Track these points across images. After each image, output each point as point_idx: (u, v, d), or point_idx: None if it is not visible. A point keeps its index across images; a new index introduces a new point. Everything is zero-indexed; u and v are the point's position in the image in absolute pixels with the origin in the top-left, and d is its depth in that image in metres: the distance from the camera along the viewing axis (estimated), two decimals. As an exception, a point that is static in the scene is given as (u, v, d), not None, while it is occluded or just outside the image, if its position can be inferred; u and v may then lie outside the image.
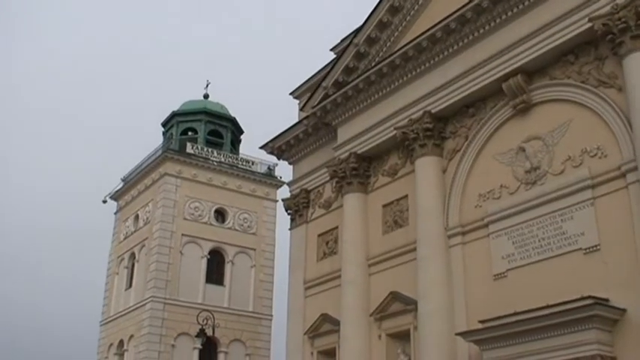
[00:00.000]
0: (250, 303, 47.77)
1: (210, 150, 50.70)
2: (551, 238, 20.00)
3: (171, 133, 52.84)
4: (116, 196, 53.76)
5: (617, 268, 18.17)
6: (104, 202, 54.13)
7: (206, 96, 55.23)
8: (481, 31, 22.75)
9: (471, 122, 23.34)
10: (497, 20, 22.27)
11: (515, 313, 19.30)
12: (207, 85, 55.95)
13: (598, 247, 18.83)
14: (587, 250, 19.05)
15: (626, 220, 18.28)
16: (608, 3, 19.18)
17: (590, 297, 17.85)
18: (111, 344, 48.14)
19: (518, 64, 21.52)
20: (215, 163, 49.70)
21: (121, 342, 46.82)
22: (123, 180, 53.42)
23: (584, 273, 18.82)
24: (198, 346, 41.32)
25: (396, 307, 23.96)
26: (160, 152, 49.70)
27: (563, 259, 19.57)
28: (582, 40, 20.24)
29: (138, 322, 45.04)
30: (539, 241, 20.27)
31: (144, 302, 44.97)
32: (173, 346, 43.98)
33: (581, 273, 18.88)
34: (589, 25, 19.59)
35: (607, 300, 17.91)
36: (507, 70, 21.79)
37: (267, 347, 47.60)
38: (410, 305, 23.24)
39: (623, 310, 17.74)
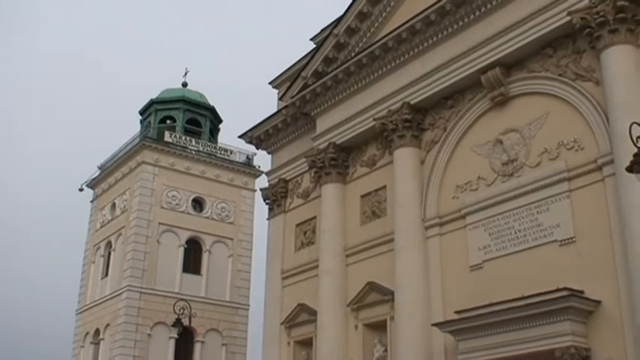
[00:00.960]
0: (227, 292, 47.69)
1: (188, 139, 50.46)
2: (527, 229, 20.16)
3: (149, 122, 52.50)
4: (93, 184, 53.39)
5: (592, 260, 18.36)
6: (81, 190, 53.81)
7: (185, 84, 54.91)
8: (460, 23, 22.82)
9: (450, 114, 23.44)
10: (477, 13, 22.35)
11: (491, 304, 19.45)
12: (185, 74, 55.67)
13: (573, 239, 19.02)
14: (563, 242, 19.23)
15: (601, 213, 18.46)
16: (587, -3, 19.31)
17: (565, 288, 18.03)
18: (87, 333, 47.91)
19: (497, 56, 21.62)
20: (193, 152, 49.49)
21: (97, 331, 46.62)
22: (100, 168, 53.07)
23: (559, 265, 18.99)
24: (175, 335, 41.19)
25: (373, 298, 24.06)
26: (137, 140, 49.38)
27: (538, 251, 19.74)
28: (561, 33, 20.37)
29: (114, 311, 44.85)
30: (515, 232, 20.43)
31: (120, 291, 44.76)
32: (149, 335, 43.84)
33: (556, 265, 19.05)
34: (567, 18, 19.71)
35: (582, 292, 18.10)
36: (486, 63, 21.89)
37: (243, 337, 47.59)
38: (387, 296, 23.35)
39: (598, 302, 17.94)
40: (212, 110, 54.20)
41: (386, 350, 23.23)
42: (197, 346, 45.35)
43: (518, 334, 18.66)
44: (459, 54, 22.72)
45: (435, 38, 23.62)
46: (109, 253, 48.74)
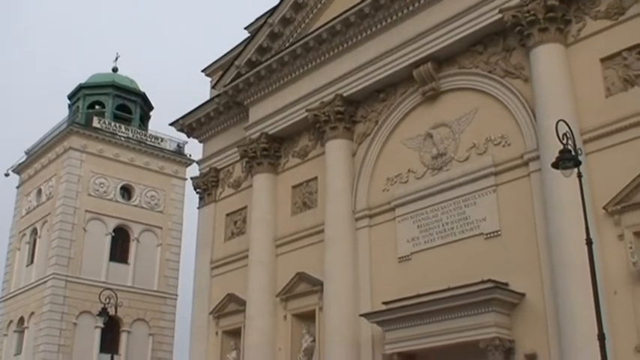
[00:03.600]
0: (155, 282, 47.11)
1: (117, 125, 49.51)
2: (454, 222, 20.53)
3: (78, 106, 51.28)
4: (19, 170, 51.99)
5: (517, 253, 18.82)
6: (6, 175, 52.32)
7: (115, 69, 53.83)
8: (394, 17, 23.02)
9: (382, 107, 23.65)
10: (410, 7, 22.59)
11: (418, 295, 19.75)
12: (116, 59, 54.57)
13: (499, 233, 19.45)
14: (489, 235, 19.66)
15: (526, 208, 18.93)
16: (519, -5, 19.71)
17: (490, 281, 18.43)
18: (11, 321, 46.71)
19: (429, 51, 21.91)
20: (122, 139, 48.61)
21: (22, 319, 45.50)
22: (26, 153, 51.70)
23: (485, 257, 19.41)
24: (101, 325, 40.56)
25: (303, 288, 24.15)
26: (65, 125, 48.24)
27: (465, 244, 20.13)
28: (492, 30, 20.77)
29: (39, 299, 43.86)
30: (443, 225, 20.77)
31: (45, 279, 43.78)
32: (75, 324, 43.04)
33: (482, 257, 19.46)
34: (499, 16, 20.10)
35: (506, 284, 18.53)
36: (418, 58, 22.16)
37: (171, 327, 47.13)
38: (316, 286, 23.47)
39: (522, 295, 18.39)
40: (143, 96, 53.32)
41: (314, 340, 23.36)
42: (123, 336, 44.71)
43: (443, 325, 19.00)
44: (392, 48, 22.93)
45: (368, 31, 23.78)
46: (35, 240, 47.59)
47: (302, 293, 24.16)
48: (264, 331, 24.44)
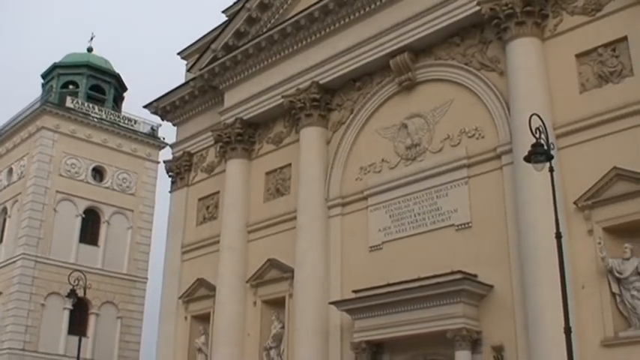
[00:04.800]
0: (125, 265, 46.76)
1: (91, 105, 48.90)
2: (426, 213, 20.61)
3: (51, 86, 50.68)
4: (-10, 148, 51.32)
5: (487, 245, 18.94)
6: (-23, 153, 51.59)
7: (90, 49, 53.16)
8: (372, 6, 22.98)
9: (357, 96, 23.64)
10: (389, -3, 22.57)
11: (388, 285, 19.84)
12: (91, 39, 53.86)
13: (470, 225, 19.56)
14: (459, 227, 19.77)
15: (497, 200, 19.05)
16: (497, -12, 19.74)
17: (459, 272, 18.55)
18: (-22, 300, 46.20)
19: (406, 42, 21.91)
20: (95, 120, 48.08)
21: (-11, 299, 45.06)
22: (-2, 131, 51.05)
23: (455, 248, 19.52)
24: (69, 306, 40.34)
25: (273, 275, 24.14)
26: (37, 105, 47.58)
27: (436, 234, 20.23)
28: (469, 22, 20.82)
29: (7, 279, 43.38)
30: (414, 215, 20.85)
31: (14, 259, 43.30)
32: (43, 305, 42.65)
33: (452, 248, 19.57)
34: (477, 8, 20.15)
35: (475, 276, 18.66)
36: (395, 47, 22.16)
37: (140, 310, 46.89)
38: (287, 273, 23.47)
39: (490, 286, 18.53)
40: (117, 78, 52.79)
41: (283, 327, 23.38)
42: (92, 318, 44.40)
43: (412, 314, 19.11)
44: (370, 37, 22.91)
45: (347, 19, 23.72)
46: (5, 220, 47.03)
47: (272, 280, 24.15)
48: (233, 317, 24.42)
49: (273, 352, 23.50)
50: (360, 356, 20.16)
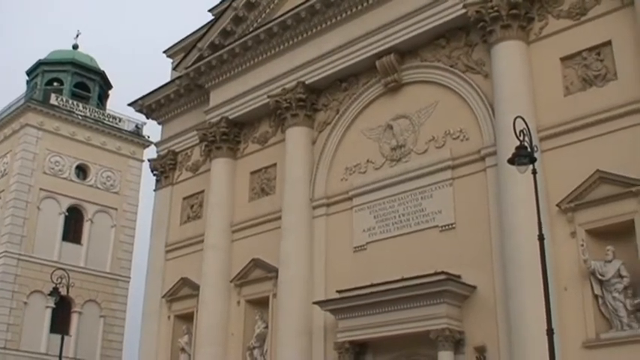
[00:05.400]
0: (108, 264, 46.59)
1: (75, 103, 48.69)
2: (410, 214, 20.68)
3: (36, 83, 50.42)
4: (-27, 145, 50.93)
5: (470, 246, 19.04)
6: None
7: (75, 46, 52.94)
8: (359, 7, 23.03)
9: (343, 96, 23.68)
10: (376, -2, 22.62)
11: (372, 285, 19.88)
12: (77, 36, 53.64)
13: (453, 226, 19.65)
14: (443, 228, 19.85)
15: (481, 202, 19.15)
16: (483, -9, 19.83)
17: (443, 273, 18.62)
18: (-40, 298, 45.85)
19: (392, 43, 21.98)
20: (80, 117, 47.87)
21: (-28, 296, 44.70)
22: (-19, 128, 50.67)
23: (439, 249, 19.60)
24: (52, 305, 40.07)
25: (257, 274, 24.13)
26: (22, 102, 47.32)
27: (420, 235, 20.30)
28: (455, 25, 20.90)
29: (-11, 276, 43.15)
30: (399, 216, 20.91)
31: (-4, 257, 43.08)
32: (25, 303, 42.41)
33: (436, 249, 19.65)
34: (463, 11, 20.24)
35: (459, 276, 18.74)
36: (381, 49, 22.22)
37: (123, 309, 46.73)
38: (271, 273, 23.47)
39: (473, 287, 18.63)
40: (102, 75, 52.59)
41: (267, 327, 23.37)
42: (74, 317, 44.21)
43: (396, 314, 19.16)
44: (356, 38, 22.95)
45: (333, 20, 23.75)
46: (-12, 218, 46.75)
47: (256, 279, 24.14)
48: (216, 316, 24.39)
49: (256, 352, 23.49)
50: (343, 356, 20.20)
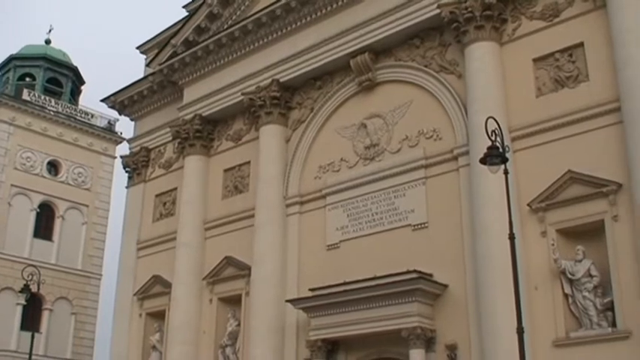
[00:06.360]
0: (79, 261, 46.25)
1: (47, 98, 48.29)
2: (383, 212, 20.74)
3: (8, 78, 49.90)
4: (-57, 140, 50.24)
5: (442, 245, 19.14)
6: None
7: (48, 41, 52.45)
8: (334, 5, 23.04)
9: (318, 95, 23.68)
10: (351, -3, 22.64)
11: (344, 283, 19.92)
12: (50, 31, 53.18)
13: (426, 225, 19.75)
14: (416, 227, 19.94)
15: (454, 201, 19.26)
16: (457, -9, 19.92)
17: (415, 271, 18.70)
18: None
19: (367, 42, 22.02)
20: (52, 113, 47.46)
21: (-60, 292, 44.15)
22: (-48, 124, 49.99)
23: (411, 248, 19.68)
24: (22, 302, 39.59)
25: (230, 272, 24.07)
26: (-7, 97, 46.88)
27: (393, 234, 20.37)
28: (429, 25, 20.99)
29: (-40, 273, 42.65)
30: (372, 215, 20.96)
31: (-33, 253, 42.60)
32: (-5, 300, 42.05)
33: (409, 248, 19.73)
34: (437, 11, 20.32)
35: (431, 275, 18.84)
36: (356, 48, 22.25)
37: (94, 307, 46.43)
38: (244, 270, 23.43)
39: (445, 286, 18.73)
40: (75, 71, 52.18)
41: (239, 325, 23.34)
42: (45, 314, 43.85)
43: (368, 313, 19.22)
44: (331, 36, 22.96)
45: (308, 18, 23.74)
46: (-43, 213, 46.18)
47: (229, 277, 24.08)
48: (188, 314, 24.30)
49: (228, 350, 23.43)
50: (315, 354, 20.22)
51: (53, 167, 47.01)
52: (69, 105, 49.48)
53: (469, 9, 19.44)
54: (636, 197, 15.85)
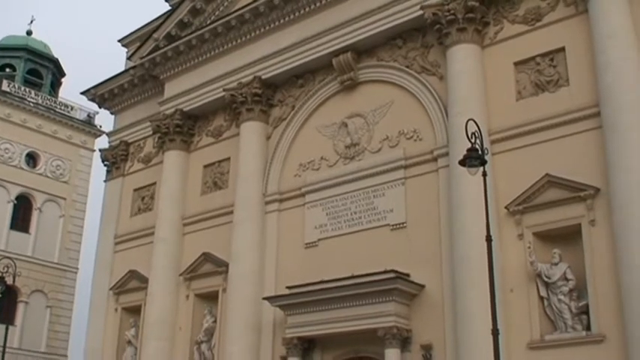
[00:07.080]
0: (56, 254, 45.95)
1: (27, 90, 47.92)
2: (362, 212, 20.77)
3: (-13, 68, 49.51)
4: None
5: (420, 245, 19.20)
6: None
7: (29, 32, 52.04)
8: (318, 4, 23.03)
9: (299, 93, 23.66)
10: (335, -4, 22.64)
11: (322, 282, 19.93)
12: (31, 22, 52.74)
13: (404, 225, 19.79)
14: (394, 227, 19.98)
15: (432, 202, 19.32)
16: (441, -7, 19.97)
17: (392, 271, 18.75)
18: None
19: (350, 41, 22.03)
20: (31, 104, 47.11)
21: None
22: None
23: (389, 248, 19.72)
24: (-3, 294, 39.38)
25: (207, 268, 24.00)
26: (-28, 87, 46.45)
27: (371, 233, 20.40)
28: (412, 26, 21.04)
29: None
30: (351, 214, 20.99)
31: (-58, 244, 42.17)
32: (-31, 292, 41.60)
33: (387, 247, 19.77)
34: (420, 12, 20.37)
35: (408, 275, 18.89)
36: (338, 47, 22.26)
37: (70, 300, 46.15)
38: (221, 267, 23.37)
39: (422, 286, 18.79)
40: (55, 62, 51.81)
41: (215, 321, 23.28)
42: (20, 307, 43.52)
43: (345, 312, 19.25)
44: (314, 35, 22.95)
45: (291, 16, 23.71)
46: None
47: (206, 273, 24.02)
48: (164, 310, 24.22)
49: (204, 346, 23.37)
50: (291, 352, 20.21)
51: (31, 159, 46.65)
52: (49, 97, 49.12)
53: (452, 11, 19.50)
54: (613, 202, 15.98)
